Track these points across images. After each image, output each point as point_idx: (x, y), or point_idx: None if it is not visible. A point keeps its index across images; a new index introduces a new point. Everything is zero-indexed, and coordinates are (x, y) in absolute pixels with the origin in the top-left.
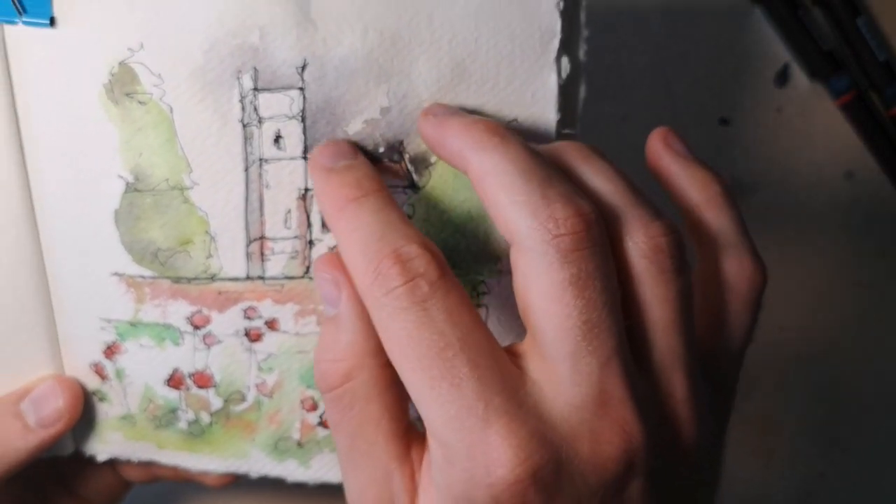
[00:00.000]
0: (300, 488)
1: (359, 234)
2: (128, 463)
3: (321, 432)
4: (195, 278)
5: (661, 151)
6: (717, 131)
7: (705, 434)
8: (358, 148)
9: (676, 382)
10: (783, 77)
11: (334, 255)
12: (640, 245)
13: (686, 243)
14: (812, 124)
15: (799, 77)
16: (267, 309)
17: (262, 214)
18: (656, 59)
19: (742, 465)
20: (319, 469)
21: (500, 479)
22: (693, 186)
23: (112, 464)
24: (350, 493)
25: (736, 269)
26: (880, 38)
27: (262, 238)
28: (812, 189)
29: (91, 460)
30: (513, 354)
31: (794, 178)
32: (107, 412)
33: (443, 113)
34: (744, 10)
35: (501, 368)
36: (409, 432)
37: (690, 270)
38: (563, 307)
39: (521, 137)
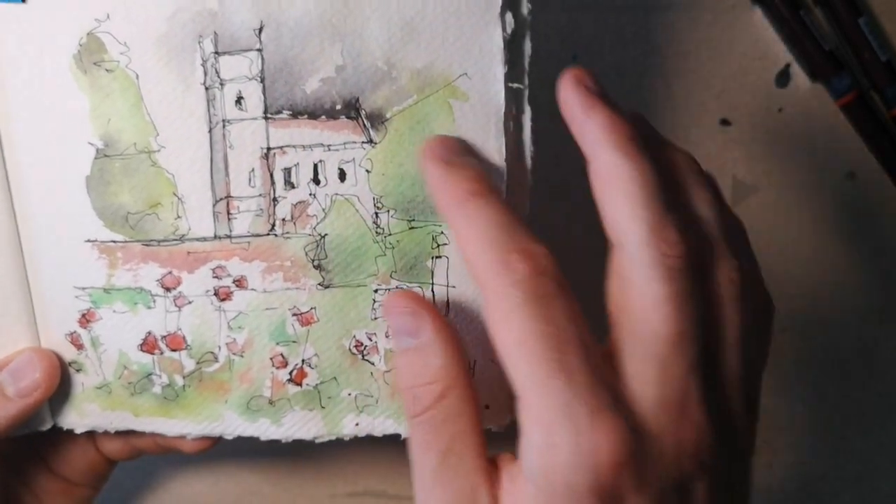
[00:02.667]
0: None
1: (485, 225)
2: (105, 435)
3: (291, 389)
4: (164, 240)
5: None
6: (717, 131)
7: (750, 446)
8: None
9: (737, 397)
10: (784, 77)
11: (407, 291)
12: (724, 276)
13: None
14: (813, 125)
15: (800, 77)
16: (235, 267)
17: (226, 174)
18: (656, 59)
19: None
20: (291, 427)
21: (604, 462)
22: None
23: (92, 440)
24: None
25: (758, 296)
26: (882, 38)
27: (227, 197)
28: (813, 190)
29: (70, 437)
30: (603, 355)
31: (794, 179)
32: (83, 383)
33: (595, 90)
34: (744, 10)
35: (604, 366)
36: (486, 451)
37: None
38: (662, 316)
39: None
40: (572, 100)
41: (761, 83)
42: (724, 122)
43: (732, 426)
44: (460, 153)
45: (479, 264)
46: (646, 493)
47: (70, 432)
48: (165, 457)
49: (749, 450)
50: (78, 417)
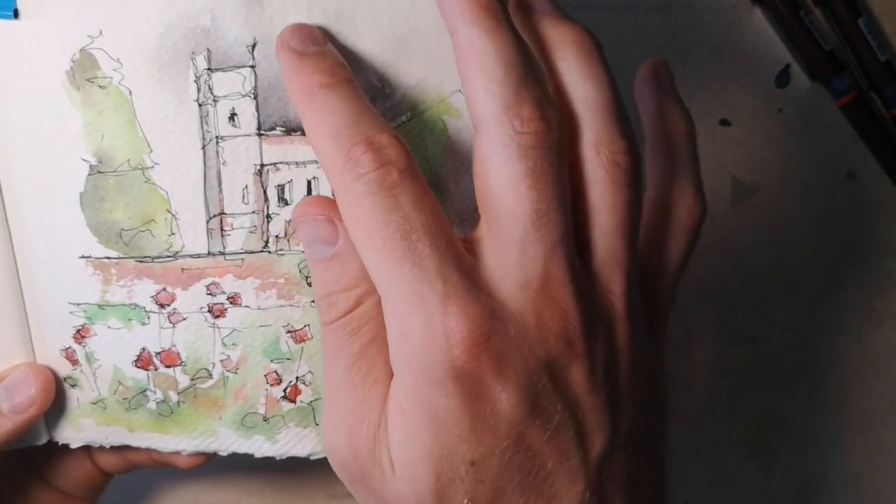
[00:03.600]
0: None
1: (331, 119)
2: (101, 449)
3: (286, 406)
4: (159, 256)
5: (647, 78)
6: (717, 132)
7: (639, 336)
8: (327, 38)
9: (615, 281)
10: (784, 77)
11: (319, 196)
12: (602, 156)
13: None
14: (813, 125)
15: (800, 78)
16: (229, 284)
17: (220, 191)
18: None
19: (742, 466)
20: (286, 443)
21: (457, 345)
22: (662, 122)
23: (88, 453)
24: (336, 413)
25: (679, 197)
26: (882, 38)
27: (221, 214)
28: (813, 190)
29: (66, 450)
30: (466, 242)
31: (794, 179)
32: (78, 398)
33: None
34: (744, 10)
35: (458, 252)
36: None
37: (642, 190)
38: (517, 195)
39: (515, 26)
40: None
41: (761, 83)
42: (724, 122)
43: (610, 310)
44: (315, 42)
45: (325, 160)
46: (509, 376)
47: (66, 446)
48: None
49: (637, 339)
50: (74, 432)
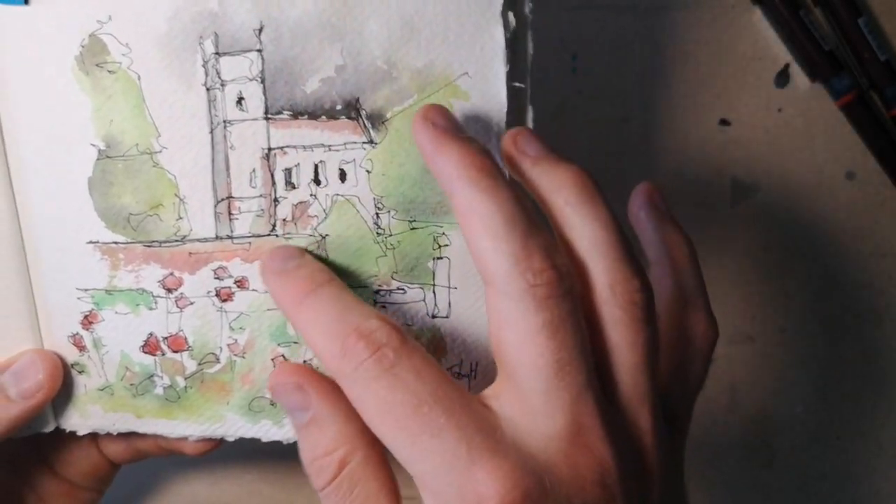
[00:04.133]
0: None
1: (321, 320)
2: (108, 438)
3: None
4: (166, 241)
5: (642, 206)
6: (717, 132)
7: (668, 464)
8: (304, 250)
9: (642, 416)
10: (784, 77)
11: (288, 364)
12: (618, 296)
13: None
14: (813, 125)
15: (799, 77)
16: (236, 268)
17: (228, 175)
18: (656, 59)
19: (742, 465)
20: (292, 428)
21: None
22: (666, 244)
23: (95, 443)
24: None
25: (694, 324)
26: (881, 38)
27: (229, 198)
28: (813, 189)
29: (73, 439)
30: (484, 398)
31: (794, 179)
32: (85, 385)
33: (443, 126)
34: (744, 10)
35: (475, 411)
36: None
37: (657, 323)
38: (537, 347)
39: (512, 184)
40: (421, 139)
41: (761, 83)
42: (724, 122)
43: (640, 447)
44: (294, 257)
45: (324, 359)
46: None
47: (73, 434)
48: (165, 456)
49: (669, 469)
50: (81, 419)
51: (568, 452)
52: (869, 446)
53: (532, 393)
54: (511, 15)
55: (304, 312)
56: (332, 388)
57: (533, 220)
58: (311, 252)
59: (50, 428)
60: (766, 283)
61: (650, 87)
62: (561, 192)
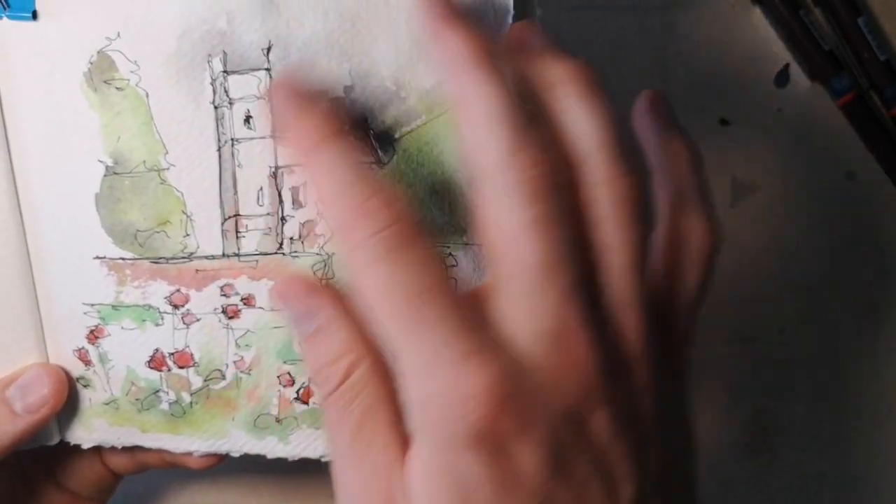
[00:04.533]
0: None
1: (338, 173)
2: (112, 450)
3: (299, 407)
4: (173, 258)
5: (645, 112)
6: (717, 131)
7: (658, 374)
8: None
9: (630, 321)
10: (783, 77)
11: (293, 276)
12: (608, 194)
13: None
14: (813, 125)
15: (799, 77)
16: (243, 285)
17: (235, 193)
18: (656, 59)
19: (742, 465)
20: (298, 445)
21: (480, 406)
22: (664, 152)
23: (99, 455)
24: (347, 491)
25: (691, 227)
26: (881, 37)
27: (236, 216)
28: (813, 189)
29: (77, 451)
30: (475, 297)
31: (794, 179)
32: (90, 399)
33: (442, 13)
34: (744, 10)
35: (470, 311)
36: (402, 423)
37: (650, 226)
38: (527, 243)
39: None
40: (427, 17)
41: (760, 83)
42: (724, 122)
43: (627, 352)
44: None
45: (334, 214)
46: (532, 434)
47: (77, 447)
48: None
49: (656, 380)
50: (85, 433)
51: (550, 353)
52: (869, 446)
53: (519, 293)
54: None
55: (320, 159)
56: (339, 297)
57: (530, 114)
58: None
59: (54, 441)
60: (766, 283)
61: (650, 87)
62: (561, 86)
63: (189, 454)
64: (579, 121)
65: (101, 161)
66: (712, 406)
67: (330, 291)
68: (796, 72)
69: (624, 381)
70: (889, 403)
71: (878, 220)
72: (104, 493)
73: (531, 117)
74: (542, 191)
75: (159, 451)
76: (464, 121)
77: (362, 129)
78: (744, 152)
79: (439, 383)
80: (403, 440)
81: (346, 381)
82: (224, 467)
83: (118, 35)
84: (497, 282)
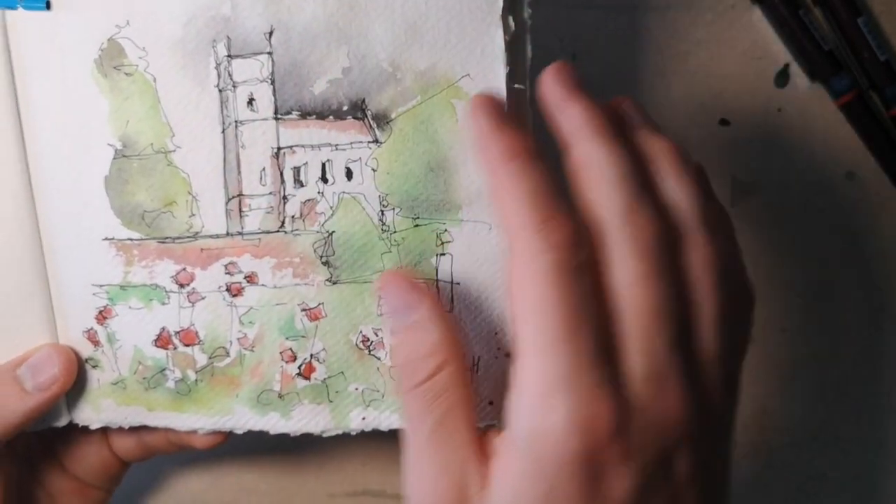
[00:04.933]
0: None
1: (528, 187)
2: (119, 434)
3: (300, 383)
4: (179, 237)
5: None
6: (717, 131)
7: (729, 427)
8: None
9: (715, 375)
10: (783, 77)
11: (400, 270)
12: (698, 258)
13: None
14: (812, 125)
15: (799, 77)
16: (246, 263)
17: (239, 173)
18: (656, 59)
19: (742, 465)
20: (300, 420)
21: (597, 433)
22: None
23: (106, 440)
24: (420, 482)
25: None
26: (881, 38)
27: (240, 195)
28: (813, 189)
29: (84, 437)
30: (605, 332)
31: (794, 179)
32: (99, 379)
33: (568, 86)
34: (744, 10)
35: (606, 344)
36: (476, 427)
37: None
38: (641, 292)
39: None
40: (552, 91)
41: (760, 83)
42: (724, 122)
43: (711, 403)
44: (506, 114)
45: (516, 221)
46: (629, 465)
47: (84, 431)
48: (173, 454)
49: (728, 430)
50: (93, 413)
51: (658, 397)
52: (869, 446)
53: (633, 334)
54: (510, 19)
55: (513, 170)
56: (439, 301)
57: (644, 182)
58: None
59: (64, 422)
60: (766, 283)
61: (650, 87)
62: (659, 161)
63: (194, 433)
64: (677, 193)
65: (110, 144)
66: None
67: (431, 292)
68: (796, 72)
69: (710, 426)
70: (890, 403)
71: (878, 220)
72: (111, 480)
73: (646, 183)
74: (652, 248)
75: (165, 430)
76: (586, 180)
77: (360, 109)
78: (744, 152)
79: (568, 399)
80: (478, 443)
81: (432, 378)
82: (225, 467)
83: (127, 23)
84: (616, 324)
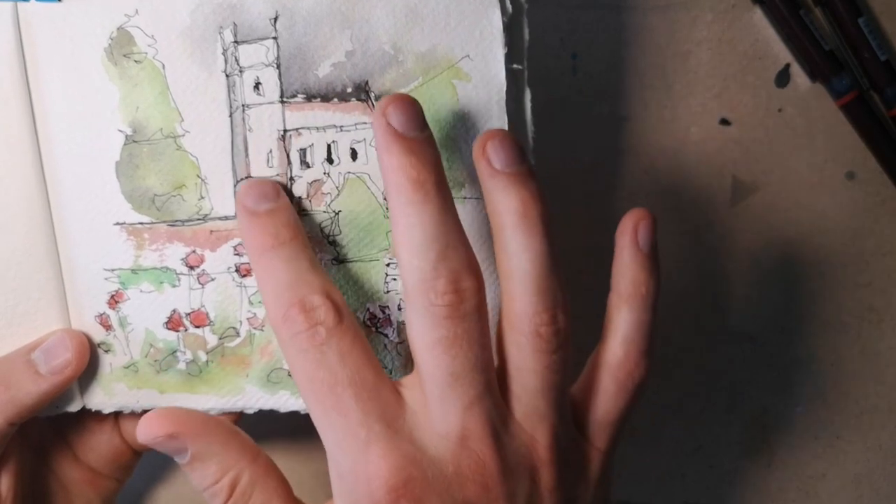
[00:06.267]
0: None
1: (273, 282)
2: (131, 420)
3: None
4: (189, 220)
5: (626, 232)
6: (717, 131)
7: (569, 480)
8: (281, 188)
9: (540, 433)
10: (784, 77)
11: (152, 414)
12: (524, 326)
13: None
14: (813, 125)
15: (800, 77)
16: None
17: (246, 156)
18: (656, 59)
19: (742, 465)
20: None
21: (378, 488)
22: (627, 279)
23: (118, 428)
24: None
25: (621, 358)
26: (882, 38)
27: (248, 178)
28: (813, 189)
29: (96, 424)
30: (402, 385)
31: (794, 179)
32: (111, 363)
33: (396, 125)
34: (744, 10)
35: (384, 401)
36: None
37: (568, 352)
38: (434, 359)
39: (447, 194)
40: (376, 132)
41: (761, 83)
42: (724, 122)
43: (534, 457)
44: (269, 199)
45: (269, 315)
46: None
47: (96, 420)
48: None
49: (565, 484)
50: (106, 397)
51: (455, 452)
52: (868, 446)
53: (431, 396)
54: (507, 1)
55: (261, 268)
56: (203, 424)
57: (452, 242)
58: (286, 190)
59: (76, 406)
60: (766, 283)
61: (650, 87)
62: (505, 214)
63: (206, 413)
64: (512, 253)
65: (120, 130)
66: (712, 406)
67: (190, 422)
68: (797, 72)
69: (526, 483)
70: (889, 403)
71: (878, 220)
72: (123, 470)
73: (453, 245)
74: (448, 317)
75: None
76: (394, 240)
77: (364, 91)
78: (744, 152)
79: (348, 464)
80: None
81: (232, 495)
82: None
83: (136, 12)
84: (419, 379)
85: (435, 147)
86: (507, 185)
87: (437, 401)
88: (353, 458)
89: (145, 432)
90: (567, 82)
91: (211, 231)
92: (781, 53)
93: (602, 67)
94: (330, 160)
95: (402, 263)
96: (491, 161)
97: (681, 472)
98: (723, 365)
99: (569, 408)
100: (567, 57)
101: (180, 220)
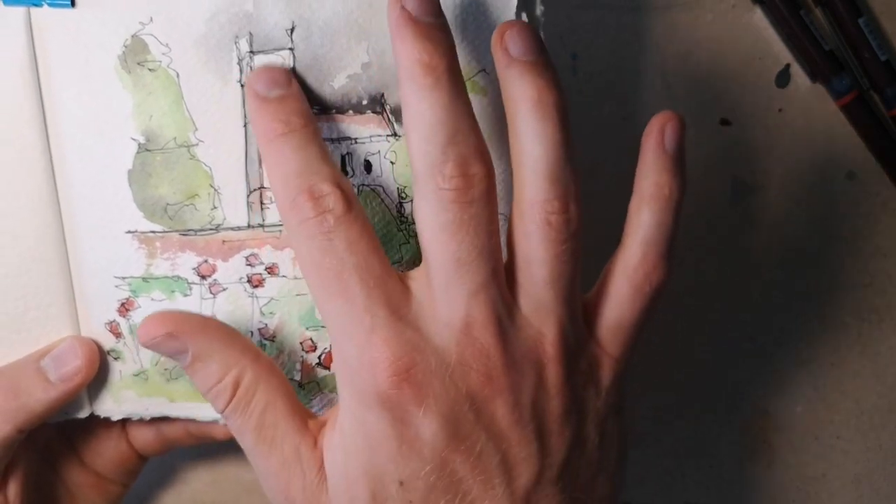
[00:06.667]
0: None
1: (282, 168)
2: (138, 426)
3: (321, 372)
4: (201, 229)
5: (652, 135)
6: (717, 132)
7: (577, 380)
8: (292, 75)
9: (547, 327)
10: (784, 77)
11: (157, 315)
12: (534, 214)
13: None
14: (813, 125)
15: (800, 77)
16: (267, 255)
17: (260, 166)
18: (656, 59)
19: (742, 465)
20: (320, 409)
21: (381, 373)
22: (650, 180)
23: (125, 434)
24: (268, 484)
25: (639, 259)
26: (882, 38)
27: (261, 188)
28: (813, 190)
29: (103, 430)
30: (409, 277)
31: (795, 179)
32: (121, 371)
33: (410, 10)
34: (744, 10)
35: (390, 289)
36: (303, 411)
37: (578, 244)
38: (440, 244)
39: (458, 80)
40: (389, 19)
41: (761, 83)
42: (724, 122)
43: (540, 352)
44: (280, 85)
45: (277, 202)
46: (430, 404)
47: (104, 424)
48: (166, 455)
49: (571, 385)
50: (115, 405)
51: (458, 340)
52: (868, 446)
53: (436, 283)
54: (524, 15)
55: (271, 154)
56: (202, 323)
57: (461, 127)
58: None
59: (85, 413)
60: (767, 283)
61: (650, 87)
62: (520, 101)
63: (215, 422)
64: (526, 140)
65: (133, 139)
66: (712, 406)
67: (189, 322)
68: (797, 72)
69: (532, 377)
70: (889, 403)
71: (878, 220)
72: (129, 475)
73: (462, 130)
74: (455, 200)
75: (186, 421)
76: (405, 126)
77: (380, 103)
78: (744, 152)
79: (352, 349)
80: (304, 424)
81: (237, 393)
82: (225, 467)
83: (151, 20)
84: (425, 269)
85: (449, 34)
86: (523, 72)
87: (442, 288)
88: (357, 344)
89: (145, 334)
90: (567, 82)
91: (223, 241)
92: (781, 53)
93: (602, 67)
94: (344, 172)
95: (412, 149)
96: (508, 49)
97: (681, 472)
98: (723, 365)
99: (580, 308)
100: (567, 57)
101: (193, 230)
